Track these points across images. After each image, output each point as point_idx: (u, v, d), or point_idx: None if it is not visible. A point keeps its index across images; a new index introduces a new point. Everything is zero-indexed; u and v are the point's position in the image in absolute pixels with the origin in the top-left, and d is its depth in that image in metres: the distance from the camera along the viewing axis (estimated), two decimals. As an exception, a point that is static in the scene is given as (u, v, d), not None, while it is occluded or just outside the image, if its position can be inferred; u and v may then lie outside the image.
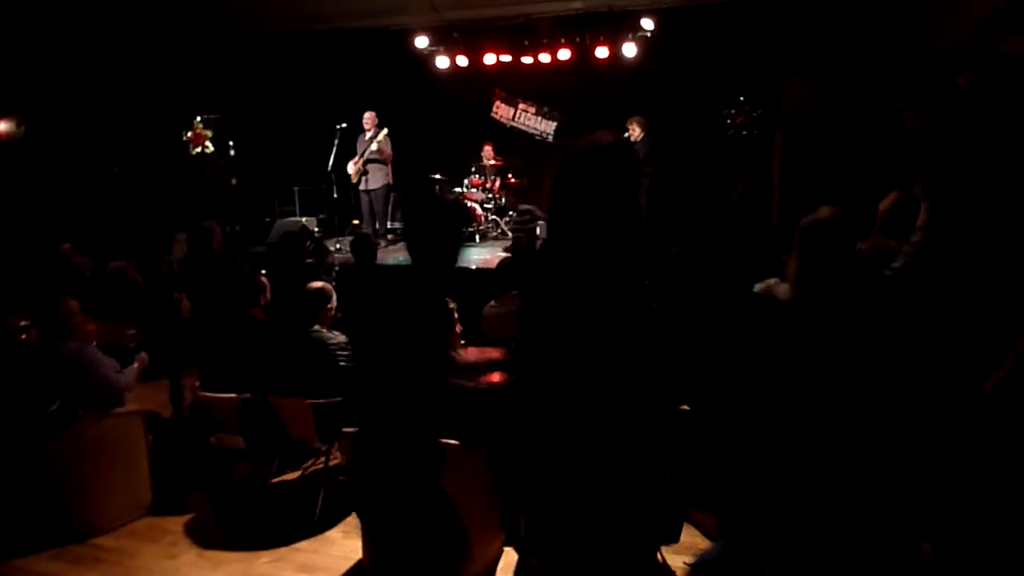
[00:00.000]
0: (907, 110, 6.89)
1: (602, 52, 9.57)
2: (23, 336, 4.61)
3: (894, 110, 6.95)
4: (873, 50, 7.86)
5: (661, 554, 3.53)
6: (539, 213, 8.11)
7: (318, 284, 4.39)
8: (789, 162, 8.57)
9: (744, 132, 8.55)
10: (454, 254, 2.53)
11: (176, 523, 4.12)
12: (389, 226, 10.32)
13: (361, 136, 9.38)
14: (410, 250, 2.51)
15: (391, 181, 9.59)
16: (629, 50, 9.38)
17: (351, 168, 9.39)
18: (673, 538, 3.35)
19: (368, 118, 9.35)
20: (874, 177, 6.94)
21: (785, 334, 2.59)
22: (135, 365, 4.40)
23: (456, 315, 3.56)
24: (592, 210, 2.00)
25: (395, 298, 2.47)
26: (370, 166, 9.32)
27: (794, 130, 8.43)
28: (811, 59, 8.43)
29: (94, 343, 4.49)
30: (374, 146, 9.16)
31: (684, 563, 3.53)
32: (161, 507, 4.25)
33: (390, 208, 10.54)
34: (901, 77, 7.24)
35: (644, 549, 3.46)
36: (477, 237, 9.77)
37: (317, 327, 4.19)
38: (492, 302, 5.08)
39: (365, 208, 9.56)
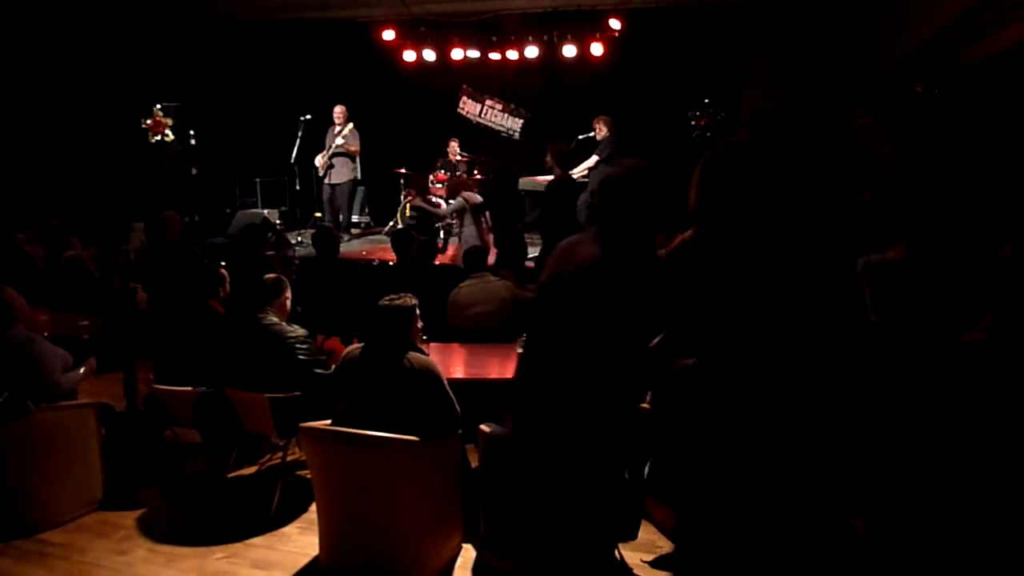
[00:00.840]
0: (866, 116, 7.04)
1: (570, 51, 9.61)
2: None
3: (853, 116, 7.09)
4: (833, 56, 8.00)
5: (619, 551, 3.55)
6: (430, 209, 8.34)
7: (273, 275, 4.34)
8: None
9: (708, 134, 8.64)
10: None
11: (128, 518, 4.03)
12: (354, 220, 10.24)
13: (331, 129, 9.31)
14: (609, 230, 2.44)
15: (358, 176, 9.53)
16: (596, 49, 9.43)
17: (319, 161, 9.32)
18: (631, 535, 3.38)
19: (338, 112, 9.27)
20: (833, 180, 7.06)
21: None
22: (82, 369, 4.25)
23: (417, 311, 3.55)
24: (739, 203, 2.22)
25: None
26: (336, 160, 9.26)
27: (756, 133, 8.54)
28: (773, 64, 8.57)
29: (45, 334, 4.38)
30: (340, 140, 9.11)
31: (641, 560, 3.57)
32: (113, 502, 4.15)
33: (356, 202, 10.48)
34: (860, 83, 7.38)
35: (602, 546, 3.49)
36: (441, 233, 9.73)
37: (275, 320, 4.13)
38: (464, 282, 5.14)
39: (327, 201, 9.49)
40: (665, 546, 3.69)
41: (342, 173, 9.29)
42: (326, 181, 9.37)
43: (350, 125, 9.18)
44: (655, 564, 3.55)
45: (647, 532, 3.70)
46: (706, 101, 8.74)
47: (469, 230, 7.23)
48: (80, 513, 4.02)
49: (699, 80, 9.05)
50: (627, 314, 2.37)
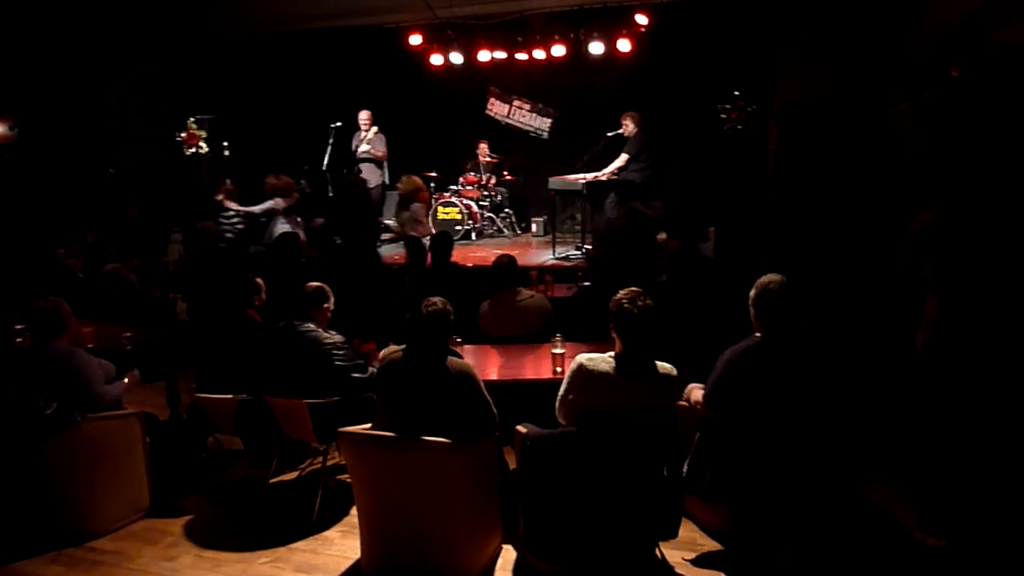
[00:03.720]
0: (901, 103, 6.91)
1: (596, 48, 9.55)
2: (18, 340, 4.62)
3: (888, 103, 6.96)
4: (865, 43, 7.85)
5: (660, 550, 3.54)
6: (241, 210, 8.81)
7: (316, 284, 4.39)
8: (784, 157, 8.57)
9: (739, 127, 8.55)
10: None
11: (174, 525, 4.11)
12: (390, 223, 10.32)
13: (356, 135, 9.36)
14: None
15: (386, 180, 9.57)
16: (623, 46, 9.36)
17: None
18: (671, 533, 3.36)
19: (364, 117, 9.31)
20: (868, 172, 6.95)
21: None
22: (125, 380, 4.31)
23: (451, 316, 3.56)
24: None
25: None
26: (363, 165, 9.30)
27: (789, 125, 8.43)
28: (804, 53, 8.43)
29: (89, 345, 4.48)
30: (365, 145, 9.15)
31: (683, 558, 3.54)
32: (159, 509, 4.23)
33: (391, 206, 10.57)
34: (894, 69, 7.24)
35: (643, 544, 3.49)
36: (473, 235, 9.77)
37: (312, 326, 4.18)
38: (492, 299, 5.09)
39: None
40: (707, 544, 3.67)
41: (370, 178, 9.33)
42: None
43: (374, 129, 9.22)
44: (696, 562, 3.53)
45: (687, 530, 3.67)
46: (736, 94, 8.64)
47: (281, 227, 7.60)
48: (128, 521, 4.10)
49: (729, 73, 8.95)
50: None
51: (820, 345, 3.31)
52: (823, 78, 8.21)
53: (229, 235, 8.11)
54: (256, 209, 8.04)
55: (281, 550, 3.81)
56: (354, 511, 3.76)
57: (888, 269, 4.98)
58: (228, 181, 8.78)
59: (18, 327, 4.65)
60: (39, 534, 3.84)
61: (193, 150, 9.89)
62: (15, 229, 8.66)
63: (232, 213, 8.19)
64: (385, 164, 9.47)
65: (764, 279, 3.38)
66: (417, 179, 8.68)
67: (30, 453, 3.77)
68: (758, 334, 3.38)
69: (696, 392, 3.56)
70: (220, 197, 8.25)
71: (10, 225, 8.77)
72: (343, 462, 4.26)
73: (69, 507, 3.91)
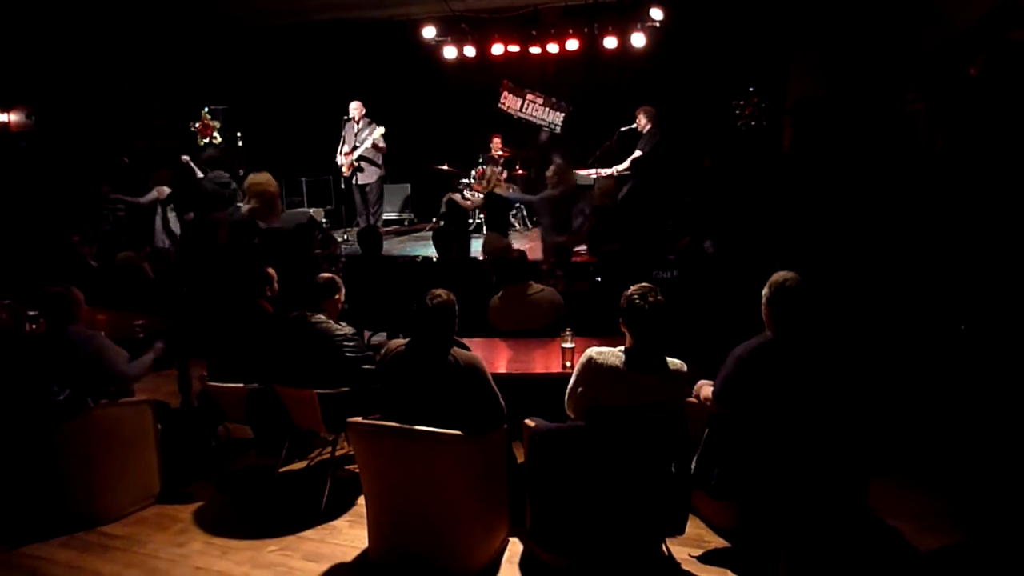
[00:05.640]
0: (917, 101, 6.86)
1: (610, 42, 9.54)
2: (32, 326, 4.66)
3: (903, 101, 6.91)
4: (881, 40, 7.80)
5: (666, 546, 3.54)
6: (129, 200, 9.05)
7: (328, 275, 4.40)
8: (797, 154, 8.54)
9: (752, 123, 8.51)
10: None
11: (184, 511, 4.14)
12: (388, 217, 10.27)
13: (348, 125, 9.23)
14: None
15: (383, 172, 9.47)
16: (638, 40, 9.34)
17: (343, 160, 9.27)
18: (678, 530, 3.36)
19: (356, 107, 9.17)
20: (881, 168, 6.91)
21: None
22: (150, 354, 4.37)
23: (456, 307, 3.55)
24: None
25: None
26: (364, 162, 9.20)
27: (803, 122, 8.39)
28: (819, 49, 8.39)
29: (103, 333, 4.51)
30: (371, 142, 9.00)
31: (689, 555, 3.54)
32: (169, 496, 4.27)
33: (398, 200, 10.57)
34: (910, 67, 7.19)
35: (649, 540, 3.49)
36: (484, 228, 9.77)
37: (323, 317, 4.19)
38: (501, 295, 5.08)
39: (359, 202, 9.48)
40: (713, 541, 3.66)
41: (371, 173, 9.23)
42: (355, 182, 9.32)
43: (381, 129, 9.07)
44: (703, 559, 3.53)
45: (694, 527, 3.67)
46: (751, 89, 8.61)
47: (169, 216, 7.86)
48: (139, 507, 4.13)
49: (743, 68, 8.91)
50: None
51: (832, 343, 3.29)
52: (837, 76, 8.17)
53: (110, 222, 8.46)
54: (143, 200, 8.20)
55: (290, 538, 3.83)
56: (362, 501, 3.78)
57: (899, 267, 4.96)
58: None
59: (31, 313, 4.69)
60: (50, 518, 3.88)
61: (207, 140, 9.92)
62: (31, 217, 8.72)
63: (120, 204, 8.43)
64: (381, 157, 9.35)
65: (778, 277, 3.34)
66: (259, 180, 7.07)
67: (42, 438, 3.80)
68: (769, 332, 3.36)
69: (706, 388, 3.55)
70: (105, 189, 8.52)
71: (26, 213, 8.84)
72: (352, 452, 4.28)
73: (80, 492, 3.95)
